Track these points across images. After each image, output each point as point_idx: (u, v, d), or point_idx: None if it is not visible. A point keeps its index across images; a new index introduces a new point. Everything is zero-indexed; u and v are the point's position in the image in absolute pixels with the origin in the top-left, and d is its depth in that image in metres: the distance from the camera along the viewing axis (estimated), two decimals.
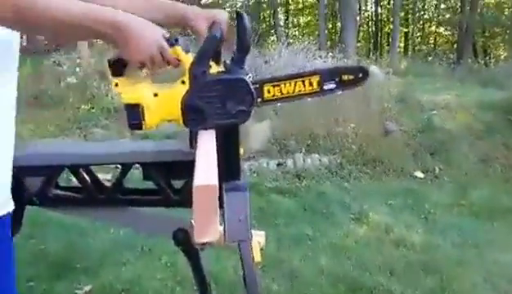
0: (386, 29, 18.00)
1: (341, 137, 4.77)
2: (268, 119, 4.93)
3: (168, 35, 0.81)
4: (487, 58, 14.81)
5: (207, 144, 0.84)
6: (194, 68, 0.84)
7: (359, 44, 15.23)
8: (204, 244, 1.02)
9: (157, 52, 0.78)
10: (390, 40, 15.30)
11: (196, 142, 0.89)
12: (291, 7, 18.69)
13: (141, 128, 0.87)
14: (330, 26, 16.31)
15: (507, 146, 4.91)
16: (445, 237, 3.20)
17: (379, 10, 18.11)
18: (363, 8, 18.31)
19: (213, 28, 0.88)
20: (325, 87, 0.91)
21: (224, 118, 0.86)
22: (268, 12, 16.51)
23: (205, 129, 0.87)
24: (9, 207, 0.83)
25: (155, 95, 0.87)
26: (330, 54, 7.21)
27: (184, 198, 1.02)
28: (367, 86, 5.89)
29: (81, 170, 1.09)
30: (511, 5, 15.36)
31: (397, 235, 3.27)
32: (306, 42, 7.53)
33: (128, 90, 0.86)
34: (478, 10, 15.26)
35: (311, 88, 0.91)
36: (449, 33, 18.27)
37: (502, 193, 4.12)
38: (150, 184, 1.08)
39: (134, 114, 0.86)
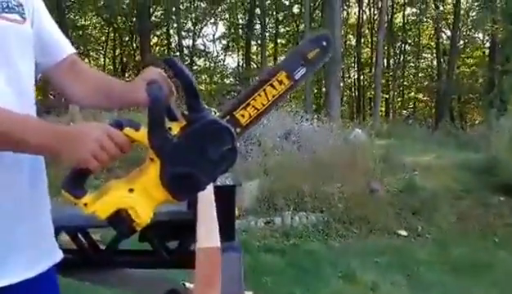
0: (368, 94, 18.95)
1: (327, 196, 4.94)
2: (257, 178, 5.11)
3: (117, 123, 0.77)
4: (464, 122, 15.58)
5: (207, 206, 0.84)
6: (152, 140, 0.75)
7: (343, 108, 15.94)
8: None
9: (105, 140, 0.74)
10: (372, 104, 16.09)
11: (195, 203, 0.88)
12: None
13: (134, 231, 0.78)
14: (316, 91, 17.13)
15: (484, 205, 5.12)
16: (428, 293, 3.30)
17: (362, 77, 19.21)
18: (346, 75, 19.39)
19: (149, 89, 0.78)
20: (297, 77, 0.83)
21: (216, 168, 0.77)
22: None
23: (199, 191, 0.79)
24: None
25: (131, 190, 0.77)
26: (316, 116, 7.61)
27: (178, 260, 1.07)
28: (352, 148, 6.21)
29: (78, 233, 1.12)
30: (483, 74, 16.50)
31: (383, 293, 3.36)
32: (293, 106, 7.95)
33: (101, 203, 0.77)
34: (454, 78, 16.32)
35: (283, 86, 0.82)
36: (427, 98, 19.30)
37: (481, 250, 4.26)
38: (144, 245, 1.12)
39: (121, 222, 0.77)
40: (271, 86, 0.82)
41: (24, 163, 0.82)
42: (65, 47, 0.99)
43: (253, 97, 0.82)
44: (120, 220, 0.76)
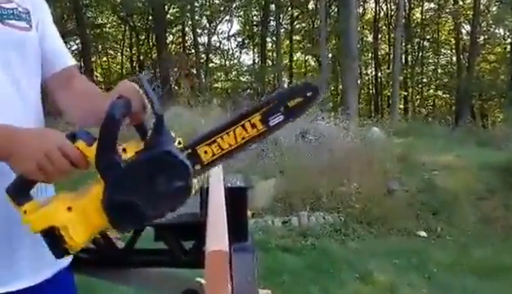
0: (386, 92, 18.70)
1: (344, 196, 4.90)
2: (273, 178, 5.10)
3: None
4: (485, 120, 15.23)
5: (218, 208, 0.82)
6: (99, 161, 0.69)
7: (360, 106, 15.77)
8: None
9: (54, 152, 0.70)
10: (390, 102, 15.88)
11: (207, 204, 0.85)
12: (294, 71, 19.66)
13: (67, 253, 0.72)
14: (332, 88, 16.98)
15: (506, 206, 5.00)
16: None
17: (379, 74, 18.96)
18: (364, 72, 19.17)
19: (110, 105, 0.71)
20: (272, 123, 0.75)
21: (163, 203, 0.71)
22: (273, 76, 17.36)
23: (142, 224, 0.74)
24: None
25: (69, 208, 0.71)
26: (333, 114, 7.54)
27: (193, 259, 1.07)
28: (369, 146, 6.14)
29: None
30: (505, 70, 16.08)
31: None
32: None
33: (38, 215, 0.71)
34: (474, 74, 15.97)
35: (255, 130, 0.75)
36: (447, 95, 18.94)
37: (503, 252, 4.17)
38: (160, 245, 1.12)
39: (52, 241, 0.71)
40: (243, 127, 0.74)
41: None
42: (64, 59, 0.97)
43: (221, 135, 0.74)
44: (52, 238, 0.71)
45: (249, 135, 0.75)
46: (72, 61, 0.99)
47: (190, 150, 0.74)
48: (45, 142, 0.71)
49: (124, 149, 0.71)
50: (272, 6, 17.72)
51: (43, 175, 0.71)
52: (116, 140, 0.70)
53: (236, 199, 0.93)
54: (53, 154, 0.70)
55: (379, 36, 19.07)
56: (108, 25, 18.36)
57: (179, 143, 0.74)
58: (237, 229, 0.89)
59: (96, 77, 16.70)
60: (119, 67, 19.15)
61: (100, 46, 17.99)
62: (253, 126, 0.74)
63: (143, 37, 18.60)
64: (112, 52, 19.28)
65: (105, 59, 18.89)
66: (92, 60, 16.41)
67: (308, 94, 0.76)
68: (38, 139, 0.72)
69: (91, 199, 0.71)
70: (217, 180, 0.96)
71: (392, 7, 18.13)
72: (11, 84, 0.83)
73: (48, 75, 0.94)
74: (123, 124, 0.72)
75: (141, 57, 18.41)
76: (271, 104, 0.76)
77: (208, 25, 18.28)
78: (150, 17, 16.94)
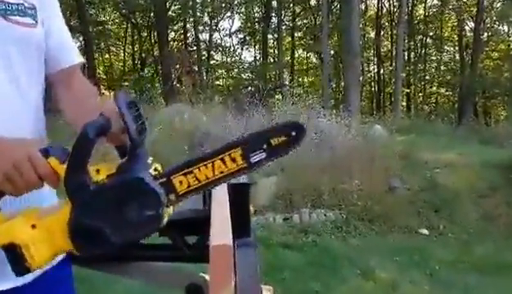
0: (388, 89, 18.64)
1: (346, 193, 4.90)
2: (274, 175, 5.10)
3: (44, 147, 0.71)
4: (488, 118, 15.16)
5: (221, 204, 0.83)
6: (67, 181, 0.68)
7: (362, 103, 15.73)
8: None
9: (23, 164, 0.68)
10: (392, 99, 15.83)
11: (210, 200, 0.86)
12: (296, 68, 19.60)
13: (28, 271, 0.70)
14: (334, 85, 16.92)
15: (509, 204, 4.99)
16: (450, 293, 3.23)
17: (381, 71, 18.89)
18: (366, 69, 19.11)
19: (85, 124, 0.68)
20: (253, 160, 0.73)
21: (131, 231, 0.70)
22: (274, 73, 17.33)
23: (107, 251, 0.72)
24: None
25: (33, 226, 0.69)
26: (334, 111, 7.52)
27: (197, 254, 1.09)
28: (371, 144, 6.13)
29: None
30: (509, 68, 15.99)
31: (403, 292, 3.32)
32: (310, 101, 7.88)
33: (1, 228, 0.69)
34: (478, 72, 15.90)
35: (235, 165, 0.73)
36: (450, 93, 18.87)
37: (505, 249, 4.17)
38: (164, 240, 1.14)
39: (13, 257, 0.69)
40: (222, 160, 0.72)
41: None
42: (70, 56, 0.95)
43: (198, 166, 0.72)
44: (12, 254, 0.68)
45: (228, 170, 0.72)
46: (78, 58, 0.97)
47: (164, 179, 0.72)
48: (15, 153, 0.69)
49: (98, 171, 0.69)
50: (274, 3, 17.69)
51: (11, 186, 0.69)
52: (88, 160, 0.68)
53: (239, 195, 0.93)
54: (22, 166, 0.68)
55: (382, 33, 19.00)
56: (110, 22, 18.37)
57: (155, 170, 0.72)
58: (240, 224, 0.88)
59: (99, 74, 16.72)
60: (121, 64, 19.17)
61: (102, 44, 18.00)
62: (234, 160, 0.72)
63: (145, 34, 18.60)
64: (114, 49, 19.30)
65: (107, 56, 18.90)
66: (95, 57, 16.42)
67: (293, 133, 0.73)
68: (8, 149, 0.70)
69: (57, 219, 0.69)
70: None
71: (395, 4, 18.05)
72: (10, 82, 0.81)
73: (53, 71, 0.93)
74: (97, 143, 0.70)
75: (143, 54, 18.42)
76: (255, 140, 0.73)
77: (209, 22, 18.26)
78: (152, 14, 16.92)
